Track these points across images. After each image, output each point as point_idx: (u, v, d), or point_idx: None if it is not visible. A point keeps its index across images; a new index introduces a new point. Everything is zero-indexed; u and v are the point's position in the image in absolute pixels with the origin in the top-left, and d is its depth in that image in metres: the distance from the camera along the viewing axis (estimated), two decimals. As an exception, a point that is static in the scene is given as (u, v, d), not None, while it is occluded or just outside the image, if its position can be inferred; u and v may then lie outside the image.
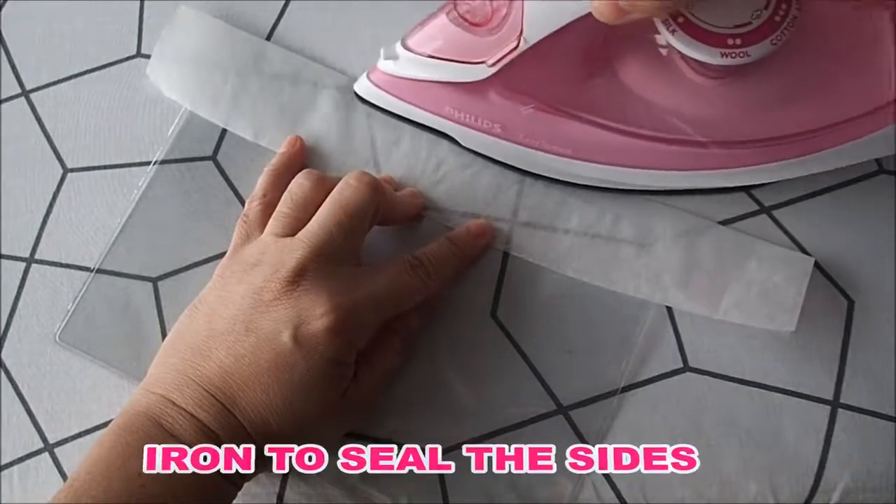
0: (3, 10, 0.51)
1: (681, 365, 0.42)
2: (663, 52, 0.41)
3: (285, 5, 0.48)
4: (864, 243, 0.43)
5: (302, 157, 0.45)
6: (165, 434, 0.35)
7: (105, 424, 0.43)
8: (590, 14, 0.35)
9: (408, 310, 0.41)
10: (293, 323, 0.36)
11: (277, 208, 0.41)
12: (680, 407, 0.42)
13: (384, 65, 0.43)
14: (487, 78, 0.40)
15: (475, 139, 0.43)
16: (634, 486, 0.41)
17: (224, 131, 0.47)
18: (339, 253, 0.39)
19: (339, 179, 0.41)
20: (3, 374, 0.45)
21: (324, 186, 0.41)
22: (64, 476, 0.43)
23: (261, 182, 0.43)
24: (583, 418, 0.42)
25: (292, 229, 0.40)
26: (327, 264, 0.38)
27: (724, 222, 0.44)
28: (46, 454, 0.44)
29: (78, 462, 0.36)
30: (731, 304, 0.42)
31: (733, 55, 0.36)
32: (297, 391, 0.36)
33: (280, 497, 0.42)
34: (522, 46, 0.38)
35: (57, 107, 0.49)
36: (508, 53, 0.39)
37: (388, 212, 0.42)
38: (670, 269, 0.43)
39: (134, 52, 0.49)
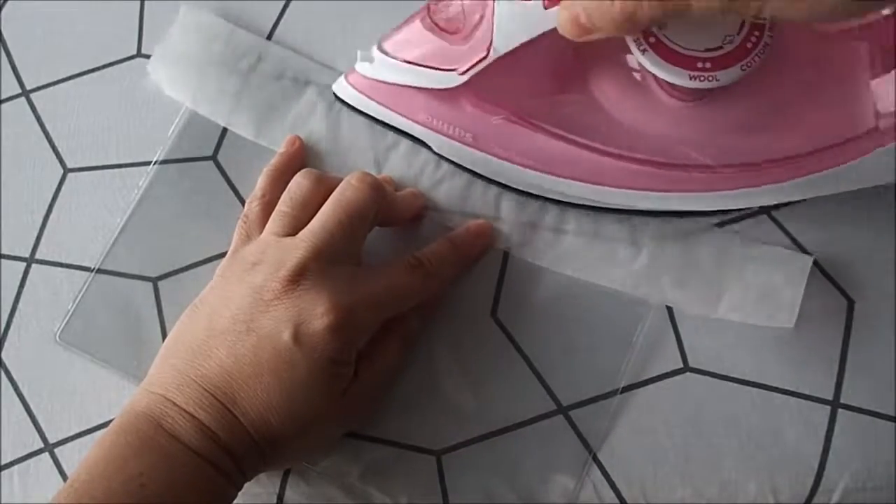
0: (4, 10, 0.51)
1: (681, 365, 0.42)
2: (636, 72, 0.41)
3: (286, 5, 0.48)
4: (864, 243, 0.43)
5: (301, 158, 0.45)
6: (166, 434, 0.35)
7: (105, 424, 0.43)
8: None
9: (408, 310, 0.41)
10: (294, 322, 0.36)
11: (277, 207, 0.41)
12: (680, 407, 0.42)
13: (360, 67, 0.43)
14: (459, 86, 0.40)
15: (449, 147, 0.43)
16: (634, 486, 0.41)
17: (224, 131, 0.47)
18: (339, 253, 0.39)
19: (339, 179, 0.41)
20: (3, 374, 0.45)
21: (323, 186, 0.41)
22: (64, 476, 0.43)
23: (260, 182, 0.44)
24: (583, 418, 0.42)
25: (292, 228, 0.40)
26: (328, 264, 0.38)
27: (724, 223, 0.44)
28: (46, 454, 0.44)
29: (78, 462, 0.36)
30: (729, 303, 0.42)
31: (702, 78, 0.36)
32: (297, 390, 0.36)
33: (280, 497, 0.42)
34: (492, 56, 0.38)
35: (57, 107, 0.49)
36: (478, 63, 0.39)
37: (388, 212, 0.42)
38: (669, 270, 0.43)
39: (134, 52, 0.49)
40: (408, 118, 0.43)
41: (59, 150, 0.48)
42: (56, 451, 0.44)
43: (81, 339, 0.45)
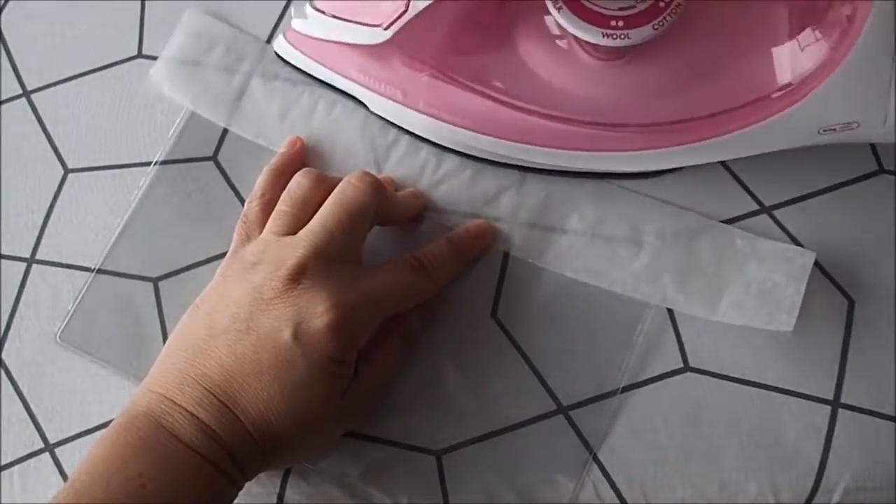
0: (5, 10, 0.51)
1: (681, 365, 0.42)
2: (559, 34, 0.41)
3: (286, 6, 0.49)
4: (864, 243, 0.43)
5: (302, 158, 0.45)
6: (166, 433, 0.35)
7: (105, 424, 0.43)
8: None
9: (408, 310, 0.41)
10: (294, 321, 0.36)
11: (277, 207, 0.41)
12: (680, 407, 0.42)
13: (296, 23, 0.43)
14: (387, 42, 0.40)
15: (381, 105, 0.43)
16: (634, 485, 0.41)
17: (225, 132, 0.47)
18: (339, 252, 0.39)
19: (339, 179, 0.41)
20: (3, 373, 0.45)
21: (323, 185, 0.41)
22: (64, 476, 0.43)
23: (259, 182, 0.44)
24: (583, 418, 0.42)
25: (292, 228, 0.40)
26: (328, 263, 0.38)
27: (725, 222, 0.44)
28: (46, 454, 0.44)
29: (78, 462, 0.36)
30: (729, 305, 0.42)
31: (614, 36, 0.37)
32: (297, 389, 0.36)
33: (280, 497, 0.42)
34: (412, 11, 0.38)
35: (58, 107, 0.49)
36: (399, 17, 0.39)
37: (388, 212, 0.42)
38: (669, 270, 0.43)
39: (135, 52, 0.49)
40: (342, 75, 0.43)
41: (60, 150, 0.48)
42: (56, 451, 0.44)
43: (82, 339, 0.45)
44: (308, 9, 0.42)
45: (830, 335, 0.42)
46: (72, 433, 0.44)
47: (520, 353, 0.43)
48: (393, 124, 0.44)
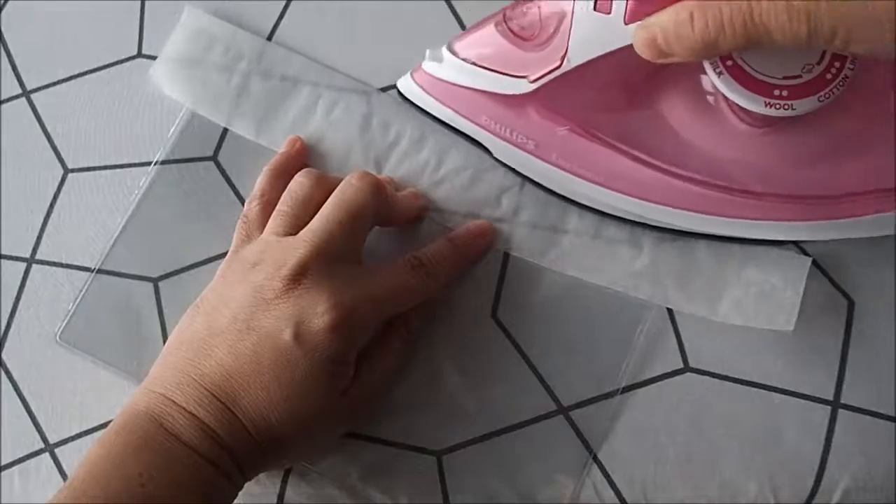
0: (4, 10, 0.51)
1: (681, 365, 0.42)
2: (709, 94, 0.40)
3: (286, 5, 0.49)
4: (864, 243, 0.43)
5: (302, 158, 0.45)
6: (166, 433, 0.35)
7: (105, 424, 0.43)
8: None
9: (408, 310, 0.41)
10: (294, 321, 0.36)
11: (277, 207, 0.41)
12: (680, 407, 0.42)
13: (428, 66, 0.43)
14: (527, 93, 0.40)
15: (507, 152, 0.43)
16: (635, 485, 0.41)
17: (225, 131, 0.47)
18: (340, 252, 0.39)
19: (339, 179, 0.41)
20: (3, 374, 0.45)
21: (324, 185, 0.41)
22: (64, 476, 0.43)
23: (259, 182, 0.44)
24: (583, 418, 0.42)
25: (293, 228, 0.40)
26: (328, 263, 0.38)
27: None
28: (46, 454, 0.44)
29: (78, 462, 0.36)
30: (729, 306, 0.42)
31: (777, 106, 0.35)
32: (298, 389, 0.36)
33: (280, 497, 0.42)
34: (565, 67, 0.38)
35: (58, 107, 0.49)
36: (551, 72, 0.38)
37: (388, 212, 0.42)
38: (669, 272, 0.43)
39: (135, 52, 0.49)
40: (470, 120, 0.43)
41: (60, 150, 0.48)
42: (56, 451, 0.44)
43: (82, 339, 0.45)
44: (445, 53, 0.42)
45: (830, 335, 0.42)
46: (72, 433, 0.44)
47: (520, 354, 0.43)
48: (516, 172, 0.44)
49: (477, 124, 0.43)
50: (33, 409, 0.44)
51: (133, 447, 0.35)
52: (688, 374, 0.42)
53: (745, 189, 0.40)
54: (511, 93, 0.40)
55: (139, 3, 0.50)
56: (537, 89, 0.39)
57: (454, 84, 0.42)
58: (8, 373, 0.45)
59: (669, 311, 0.43)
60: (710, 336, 0.42)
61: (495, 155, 0.44)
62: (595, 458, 0.41)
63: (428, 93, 0.43)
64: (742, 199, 0.40)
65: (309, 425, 0.37)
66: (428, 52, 0.43)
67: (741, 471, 0.41)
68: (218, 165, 0.47)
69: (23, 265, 0.46)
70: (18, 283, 0.46)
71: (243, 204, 0.45)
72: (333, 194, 0.40)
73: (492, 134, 0.43)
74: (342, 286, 0.38)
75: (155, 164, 0.47)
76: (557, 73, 0.38)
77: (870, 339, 0.42)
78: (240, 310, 0.37)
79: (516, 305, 0.43)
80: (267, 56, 0.47)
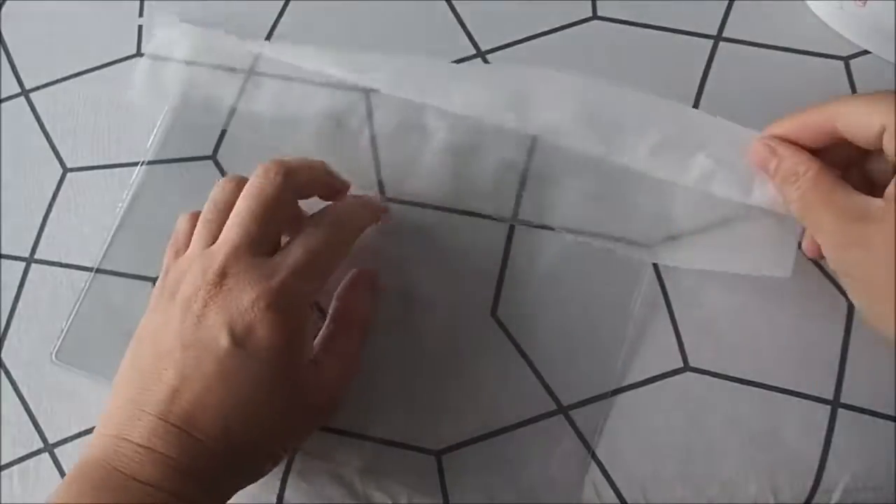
0: (3, 9, 0.51)
1: (681, 364, 0.42)
2: None
3: (285, 5, 0.48)
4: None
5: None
6: (122, 476, 0.34)
7: (105, 424, 0.43)
8: None
9: (353, 296, 0.42)
10: (227, 325, 0.36)
11: (201, 217, 0.40)
12: (680, 407, 0.42)
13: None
14: None
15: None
16: (634, 485, 0.41)
17: (224, 131, 0.47)
18: (258, 244, 0.38)
19: None
20: (3, 374, 0.45)
21: (245, 185, 0.40)
22: (64, 476, 0.43)
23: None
24: (583, 418, 0.42)
25: (217, 235, 0.39)
26: (248, 257, 0.37)
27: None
28: (46, 454, 0.44)
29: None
30: (732, 246, 0.42)
31: None
32: (251, 390, 0.36)
33: (280, 497, 0.42)
34: None
35: (57, 106, 0.49)
36: None
37: (312, 186, 0.41)
38: (674, 219, 0.43)
39: (134, 52, 0.49)
40: None
41: (59, 149, 0.48)
42: (56, 451, 0.44)
43: (78, 357, 0.44)
44: None
45: (830, 335, 0.42)
46: (71, 433, 0.44)
47: (520, 353, 0.43)
48: None
49: None
50: (33, 409, 0.44)
51: (88, 496, 0.34)
52: (687, 373, 0.42)
53: None
54: None
55: (138, 3, 0.50)
56: None
57: None
58: (7, 373, 0.45)
59: (670, 310, 0.43)
60: (710, 336, 0.42)
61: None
62: (595, 458, 0.41)
63: None
64: None
65: (273, 424, 0.37)
66: None
67: (741, 471, 0.41)
68: (217, 165, 0.47)
69: (22, 265, 0.46)
70: (18, 282, 0.46)
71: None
72: (244, 190, 0.39)
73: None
74: (263, 273, 0.37)
75: (154, 163, 0.47)
76: None
77: (870, 339, 0.42)
78: (178, 328, 0.36)
79: (516, 305, 0.43)
80: (265, 56, 0.47)
